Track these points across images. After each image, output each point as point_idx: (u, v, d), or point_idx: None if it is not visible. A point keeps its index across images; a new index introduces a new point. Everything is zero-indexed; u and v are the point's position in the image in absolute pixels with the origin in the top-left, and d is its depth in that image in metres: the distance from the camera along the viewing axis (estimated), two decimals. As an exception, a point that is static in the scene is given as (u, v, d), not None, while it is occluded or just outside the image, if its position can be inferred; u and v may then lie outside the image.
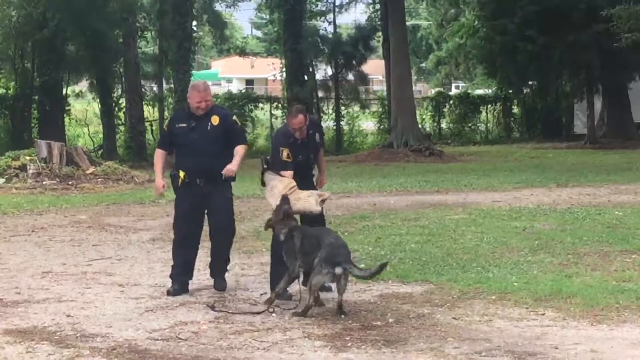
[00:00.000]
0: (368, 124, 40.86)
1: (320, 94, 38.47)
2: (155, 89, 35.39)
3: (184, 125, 9.35)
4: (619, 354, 6.94)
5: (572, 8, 31.25)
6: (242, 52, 39.83)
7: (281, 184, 9.11)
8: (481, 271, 10.06)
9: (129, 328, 7.90)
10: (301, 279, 8.72)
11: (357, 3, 40.25)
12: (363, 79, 39.68)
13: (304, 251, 8.43)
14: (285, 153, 9.25)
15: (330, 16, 39.51)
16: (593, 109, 34.76)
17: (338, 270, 8.12)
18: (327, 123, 38.45)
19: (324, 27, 40.22)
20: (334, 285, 8.51)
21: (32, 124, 31.64)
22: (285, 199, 8.87)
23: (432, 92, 52.31)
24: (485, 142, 39.33)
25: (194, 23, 35.53)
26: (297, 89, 36.13)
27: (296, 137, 9.33)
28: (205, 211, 9.46)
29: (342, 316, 8.16)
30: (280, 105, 38.73)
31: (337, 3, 39.47)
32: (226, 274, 9.64)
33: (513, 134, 41.37)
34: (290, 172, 9.23)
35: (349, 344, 7.29)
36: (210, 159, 9.23)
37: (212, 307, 8.61)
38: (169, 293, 9.25)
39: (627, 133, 35.00)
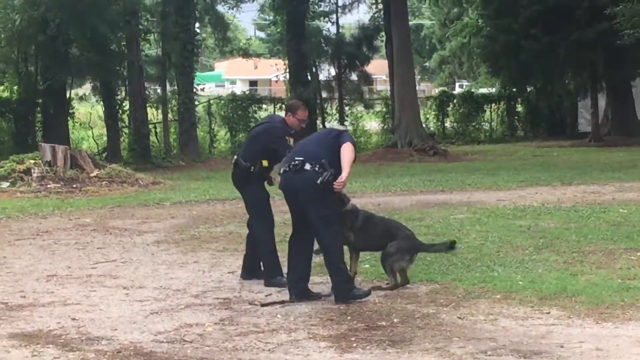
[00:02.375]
0: (372, 124, 40.84)
1: (323, 95, 38.47)
2: (159, 91, 35.37)
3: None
4: (625, 351, 6.92)
5: (576, 7, 31.33)
6: (245, 54, 39.77)
7: None
8: (486, 270, 10.04)
9: (134, 331, 7.90)
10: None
11: (360, 3, 40.19)
12: (367, 79, 39.62)
13: (366, 231, 9.43)
14: (292, 141, 9.66)
15: (333, 17, 39.48)
16: (597, 107, 34.75)
17: (415, 257, 9.51)
18: (331, 123, 38.43)
19: (327, 27, 40.26)
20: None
21: (36, 128, 31.66)
22: None
23: (436, 91, 52.28)
24: (490, 141, 39.29)
25: (197, 25, 35.52)
26: (301, 90, 36.10)
27: (297, 129, 9.79)
28: None
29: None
30: (284, 106, 38.72)
31: (340, 3, 39.44)
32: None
33: (517, 133, 41.35)
34: None
35: (354, 345, 7.29)
36: None
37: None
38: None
39: (631, 130, 34.97)
